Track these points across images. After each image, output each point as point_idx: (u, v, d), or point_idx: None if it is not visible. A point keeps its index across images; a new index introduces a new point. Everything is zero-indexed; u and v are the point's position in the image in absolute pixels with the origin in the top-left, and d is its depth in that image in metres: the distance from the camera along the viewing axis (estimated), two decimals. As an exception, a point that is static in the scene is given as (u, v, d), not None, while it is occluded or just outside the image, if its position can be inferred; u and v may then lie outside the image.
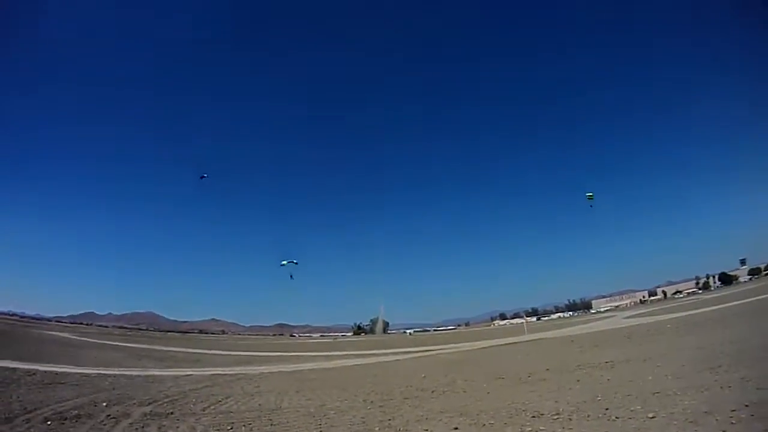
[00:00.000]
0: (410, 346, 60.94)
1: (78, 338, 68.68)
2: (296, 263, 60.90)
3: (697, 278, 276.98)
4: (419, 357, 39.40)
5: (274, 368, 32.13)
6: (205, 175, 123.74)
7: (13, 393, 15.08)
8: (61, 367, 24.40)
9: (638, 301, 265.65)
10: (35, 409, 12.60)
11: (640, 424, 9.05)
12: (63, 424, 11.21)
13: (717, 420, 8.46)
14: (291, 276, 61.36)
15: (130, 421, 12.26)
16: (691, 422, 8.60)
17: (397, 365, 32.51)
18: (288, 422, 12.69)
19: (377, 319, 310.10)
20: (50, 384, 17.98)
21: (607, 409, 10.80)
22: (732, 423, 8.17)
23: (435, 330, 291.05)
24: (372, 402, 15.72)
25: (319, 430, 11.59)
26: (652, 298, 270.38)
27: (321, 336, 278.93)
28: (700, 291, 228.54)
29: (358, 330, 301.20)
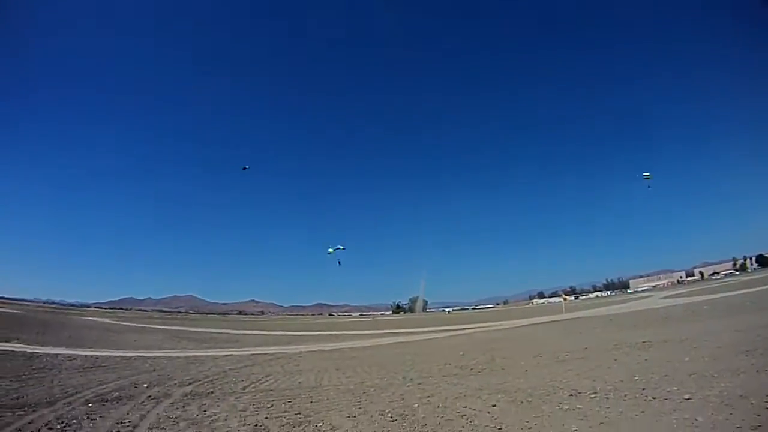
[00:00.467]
0: (449, 325, 61.20)
1: (117, 323, 70.42)
2: (343, 248, 60.76)
3: (734, 259, 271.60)
4: (457, 335, 39.57)
5: (313, 347, 32.63)
6: (247, 167, 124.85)
7: (55, 378, 15.42)
8: (101, 351, 25.17)
9: (675, 282, 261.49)
10: (76, 393, 12.90)
11: (676, 406, 8.98)
12: (104, 405, 11.44)
13: (752, 404, 8.37)
14: (339, 262, 61.36)
15: (170, 401, 12.48)
16: (727, 405, 8.51)
17: (435, 343, 32.70)
18: (328, 399, 12.90)
19: (416, 298, 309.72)
20: (91, 368, 18.44)
21: (643, 389, 10.77)
22: (767, 408, 8.07)
23: (473, 308, 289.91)
24: (411, 379, 15.89)
25: (359, 406, 11.71)
26: (690, 278, 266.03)
27: (360, 315, 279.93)
28: (737, 272, 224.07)
29: (397, 309, 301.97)
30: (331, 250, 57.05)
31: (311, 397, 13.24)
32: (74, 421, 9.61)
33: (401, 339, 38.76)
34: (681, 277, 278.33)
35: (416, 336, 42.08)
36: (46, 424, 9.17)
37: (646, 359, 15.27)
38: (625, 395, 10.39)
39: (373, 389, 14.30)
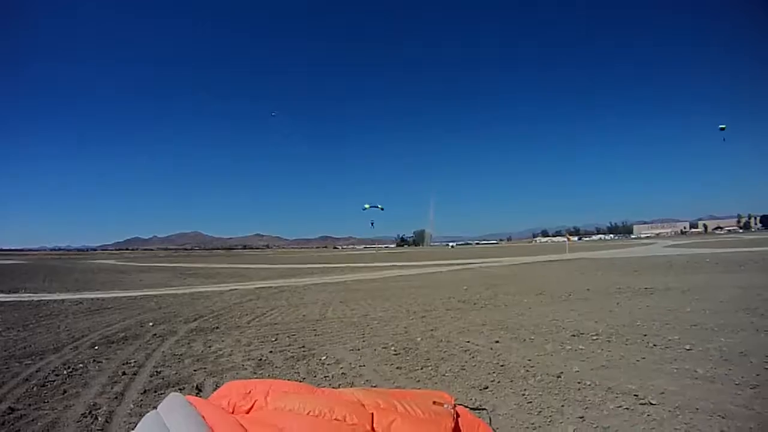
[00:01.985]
0: (452, 259, 62.71)
1: (124, 264, 72.54)
2: (382, 209, 59.61)
3: (739, 216, 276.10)
4: (461, 270, 40.34)
5: (318, 280, 33.08)
6: (275, 114, 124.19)
7: (61, 323, 15.48)
8: (107, 293, 25.53)
9: (679, 231, 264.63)
10: (83, 336, 12.97)
11: (677, 355, 9.00)
12: (110, 347, 11.50)
13: (751, 363, 8.30)
14: (372, 223, 60.61)
15: (176, 338, 12.60)
16: (726, 360, 8.48)
17: (439, 277, 33.08)
18: (332, 332, 13.06)
19: (422, 231, 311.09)
20: (97, 310, 18.56)
21: (645, 335, 10.83)
22: (766, 368, 7.97)
23: (477, 244, 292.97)
24: (414, 312, 16.12)
25: (363, 339, 11.86)
26: (693, 230, 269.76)
27: (365, 248, 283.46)
28: (741, 230, 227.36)
29: (402, 242, 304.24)
30: (367, 206, 55.72)
31: (315, 330, 13.39)
32: (80, 365, 9.72)
33: (405, 272, 39.43)
34: (684, 228, 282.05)
35: (420, 269, 42.95)
36: (53, 371, 9.28)
37: (648, 306, 15.37)
38: (627, 340, 10.44)
39: (376, 322, 14.50)
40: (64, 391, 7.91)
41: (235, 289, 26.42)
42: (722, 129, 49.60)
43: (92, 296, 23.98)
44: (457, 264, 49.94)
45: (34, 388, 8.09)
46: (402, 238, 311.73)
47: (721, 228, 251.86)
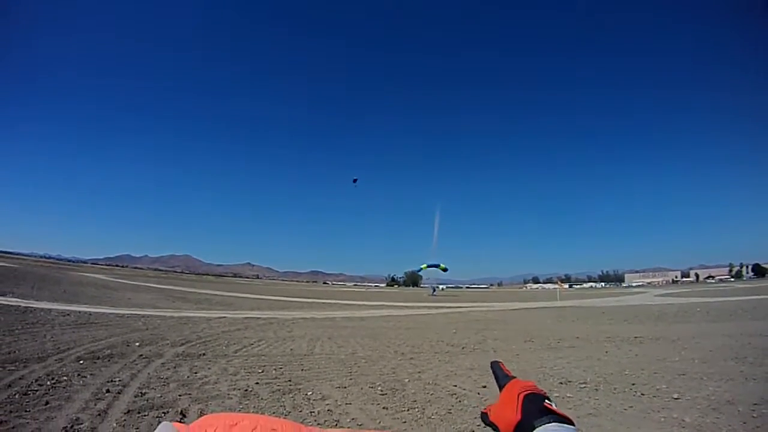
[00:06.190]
0: (442, 302, 62.26)
1: (113, 280, 71.44)
2: (445, 270, 61.81)
3: (731, 265, 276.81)
4: (451, 313, 40.05)
5: (307, 314, 32.80)
6: (356, 180, 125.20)
7: (47, 333, 15.36)
8: (95, 308, 25.32)
9: (670, 281, 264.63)
10: (68, 349, 12.81)
11: (665, 404, 8.98)
12: (95, 363, 11.32)
13: (739, 411, 8.31)
14: (434, 290, 62.93)
15: (162, 361, 12.41)
16: (714, 409, 8.48)
17: (428, 319, 32.83)
18: (319, 367, 12.90)
19: (412, 272, 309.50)
20: (84, 324, 18.41)
21: (633, 384, 10.79)
22: (753, 416, 7.99)
23: (467, 287, 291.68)
24: (403, 354, 15.95)
25: (350, 377, 11.72)
26: (684, 279, 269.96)
27: (355, 285, 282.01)
28: (732, 279, 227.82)
29: (392, 282, 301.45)
30: (424, 266, 57.96)
31: (302, 364, 13.22)
32: (65, 378, 9.58)
33: (395, 312, 39.14)
34: (676, 277, 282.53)
35: (410, 310, 42.62)
36: (37, 380, 9.16)
37: (636, 354, 15.37)
38: (615, 388, 10.41)
39: (364, 360, 14.35)
40: (47, 402, 7.83)
41: (224, 317, 26.16)
42: None
43: (80, 309, 23.79)
44: (447, 307, 49.83)
45: (17, 396, 8.04)
46: (393, 278, 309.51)
47: (712, 277, 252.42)
